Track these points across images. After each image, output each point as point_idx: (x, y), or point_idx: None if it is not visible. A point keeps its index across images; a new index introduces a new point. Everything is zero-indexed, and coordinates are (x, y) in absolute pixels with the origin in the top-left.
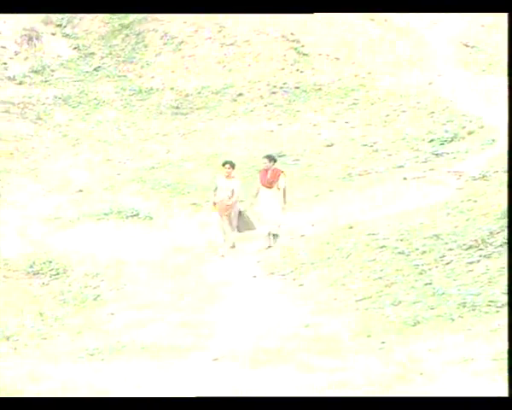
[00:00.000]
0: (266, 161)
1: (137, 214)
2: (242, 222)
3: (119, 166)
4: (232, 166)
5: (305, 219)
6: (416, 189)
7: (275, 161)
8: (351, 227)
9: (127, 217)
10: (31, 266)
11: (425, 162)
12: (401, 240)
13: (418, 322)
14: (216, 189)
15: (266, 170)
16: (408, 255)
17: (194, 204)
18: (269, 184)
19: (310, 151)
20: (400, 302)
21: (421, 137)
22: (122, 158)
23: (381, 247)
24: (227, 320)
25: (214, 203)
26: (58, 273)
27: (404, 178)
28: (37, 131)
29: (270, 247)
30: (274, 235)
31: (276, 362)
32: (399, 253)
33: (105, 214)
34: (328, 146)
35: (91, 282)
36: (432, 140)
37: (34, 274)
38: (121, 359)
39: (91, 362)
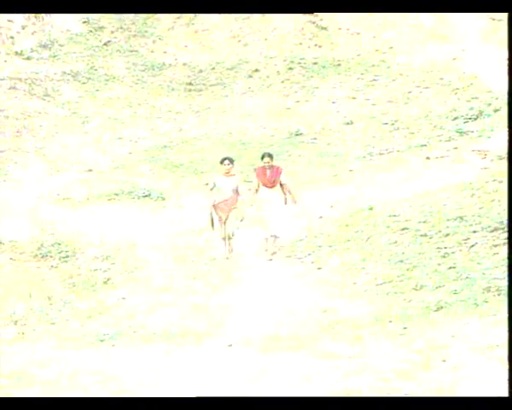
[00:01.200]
0: (268, 159)
1: (149, 195)
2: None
3: (130, 144)
4: (231, 161)
5: (324, 200)
6: (439, 168)
7: (272, 158)
8: (371, 209)
9: (138, 197)
10: (38, 249)
11: (449, 141)
12: (423, 222)
13: (441, 307)
14: (213, 187)
15: (264, 168)
16: (430, 238)
17: (208, 184)
18: (271, 184)
19: (328, 129)
20: (422, 287)
21: (444, 114)
22: (133, 136)
23: (403, 229)
24: (242, 305)
25: (214, 206)
26: (67, 256)
27: (427, 158)
28: (45, 109)
29: (275, 253)
30: (275, 237)
31: (293, 349)
32: (421, 235)
33: (115, 195)
34: (347, 124)
35: (101, 265)
36: (456, 118)
37: (42, 257)
38: (132, 345)
39: (101, 348)
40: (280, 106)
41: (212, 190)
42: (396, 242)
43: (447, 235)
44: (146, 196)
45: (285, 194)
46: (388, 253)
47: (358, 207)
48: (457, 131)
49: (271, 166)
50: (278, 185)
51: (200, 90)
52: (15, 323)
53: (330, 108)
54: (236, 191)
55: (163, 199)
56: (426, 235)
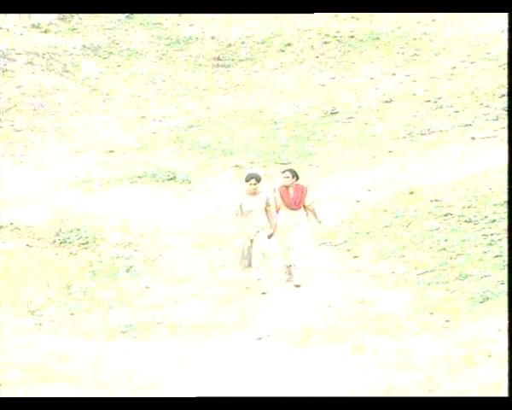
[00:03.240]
0: (289, 175)
1: (174, 177)
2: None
3: (154, 124)
4: (258, 180)
5: (361, 183)
6: (486, 149)
7: (297, 177)
8: (412, 192)
9: (163, 180)
10: (57, 235)
11: (496, 120)
12: (468, 207)
13: (487, 298)
14: (240, 209)
15: (287, 187)
16: (476, 224)
17: (237, 166)
18: (295, 205)
19: (366, 108)
20: (467, 276)
21: (491, 91)
22: (157, 115)
23: (446, 215)
24: (272, 295)
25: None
26: (87, 242)
27: (472, 138)
28: (64, 85)
29: (298, 286)
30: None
31: (328, 342)
32: (466, 221)
33: (138, 177)
34: (386, 102)
35: (123, 252)
36: (503, 95)
37: (61, 243)
38: (156, 337)
39: (123, 340)
40: (314, 82)
41: (237, 214)
42: (438, 228)
43: (494, 221)
44: (171, 178)
45: (308, 218)
46: (430, 240)
47: (398, 190)
48: (505, 110)
49: (295, 185)
50: (303, 208)
51: (229, 66)
52: (32, 313)
53: (368, 84)
54: (265, 210)
55: (189, 182)
56: (470, 221)
